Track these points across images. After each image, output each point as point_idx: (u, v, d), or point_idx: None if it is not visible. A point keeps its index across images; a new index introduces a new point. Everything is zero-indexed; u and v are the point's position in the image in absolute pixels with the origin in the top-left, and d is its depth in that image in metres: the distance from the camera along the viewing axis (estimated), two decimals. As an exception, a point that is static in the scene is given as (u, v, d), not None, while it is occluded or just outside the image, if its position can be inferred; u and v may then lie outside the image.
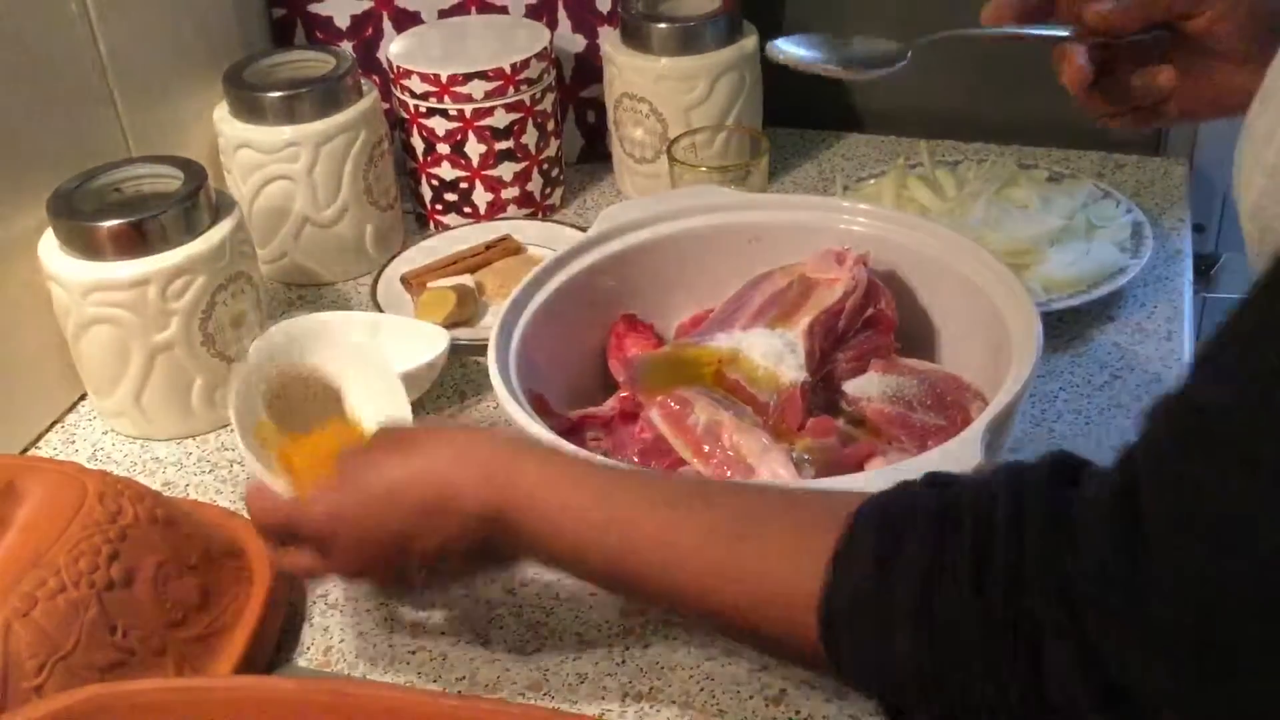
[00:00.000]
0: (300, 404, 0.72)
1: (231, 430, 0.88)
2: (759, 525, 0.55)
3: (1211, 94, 0.72)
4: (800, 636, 0.52)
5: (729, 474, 0.67)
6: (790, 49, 0.73)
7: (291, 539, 0.64)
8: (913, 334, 0.81)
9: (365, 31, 1.13)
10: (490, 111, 1.03)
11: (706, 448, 0.68)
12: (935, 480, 0.53)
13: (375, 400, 0.72)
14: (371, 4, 1.12)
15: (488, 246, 1.02)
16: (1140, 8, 0.70)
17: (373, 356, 0.75)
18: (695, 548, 0.55)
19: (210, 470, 0.86)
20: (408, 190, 1.10)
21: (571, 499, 0.58)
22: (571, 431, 0.75)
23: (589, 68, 1.13)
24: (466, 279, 0.98)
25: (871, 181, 1.05)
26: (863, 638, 0.51)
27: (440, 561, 0.62)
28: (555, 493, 0.59)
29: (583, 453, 0.66)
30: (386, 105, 1.06)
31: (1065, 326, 0.90)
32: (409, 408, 0.72)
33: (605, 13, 1.11)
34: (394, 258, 1.03)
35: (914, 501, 0.52)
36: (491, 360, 0.72)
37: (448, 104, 1.03)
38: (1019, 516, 0.47)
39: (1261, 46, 0.69)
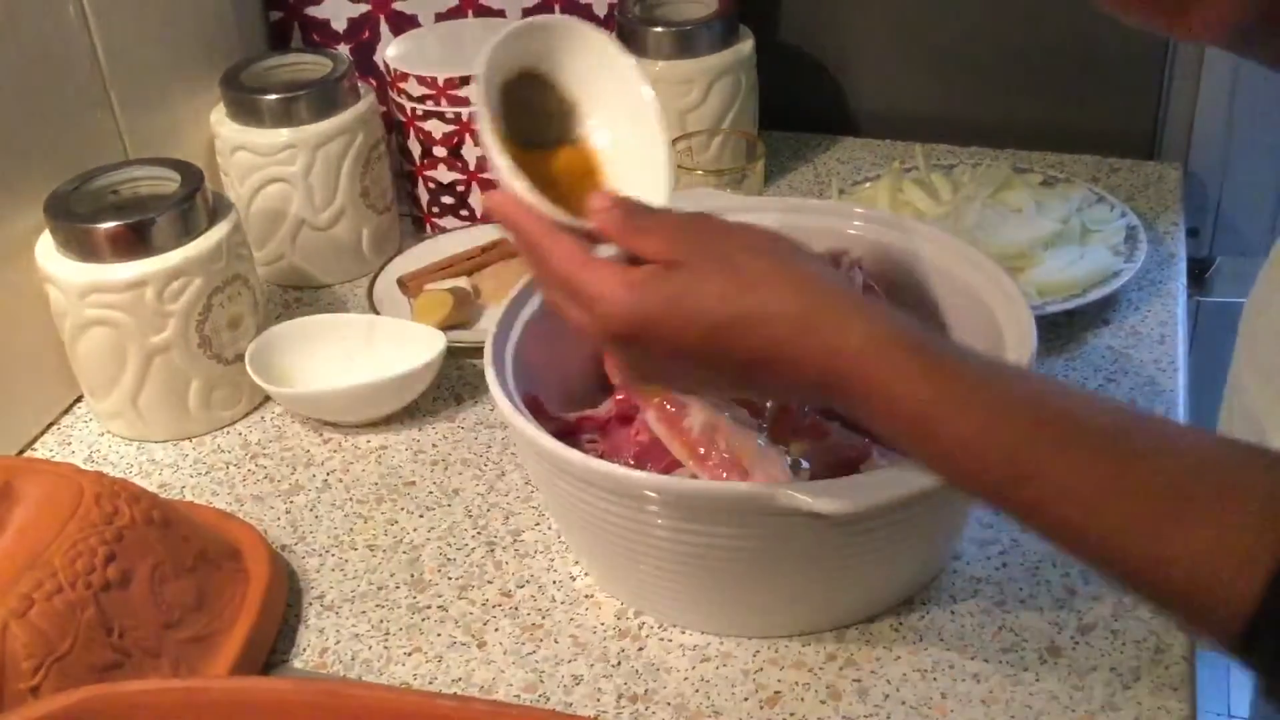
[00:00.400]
0: (527, 109, 0.63)
1: (227, 432, 0.89)
2: (1185, 506, 0.47)
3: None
4: (1204, 618, 0.46)
5: (725, 476, 0.67)
6: None
7: (567, 296, 0.57)
8: (908, 337, 0.81)
9: (362, 34, 1.13)
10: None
11: (702, 450, 0.68)
12: None
13: (623, 138, 0.63)
14: (368, 7, 1.12)
15: (484, 249, 1.02)
16: None
17: (641, 91, 0.63)
18: (1106, 509, 0.48)
19: (207, 472, 0.86)
20: (404, 193, 1.10)
21: (953, 429, 0.50)
22: (568, 433, 0.75)
23: (585, 71, 1.13)
24: (463, 282, 0.99)
25: (867, 185, 1.05)
26: None
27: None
28: (933, 420, 0.50)
29: (957, 351, 0.53)
30: (383, 108, 1.06)
31: (1059, 330, 0.90)
32: (667, 158, 0.63)
33: (601, 16, 1.11)
34: (390, 260, 1.03)
35: None
36: (488, 363, 0.72)
37: (445, 107, 1.03)
38: None
39: None
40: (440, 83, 1.02)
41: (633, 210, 0.58)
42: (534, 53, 0.62)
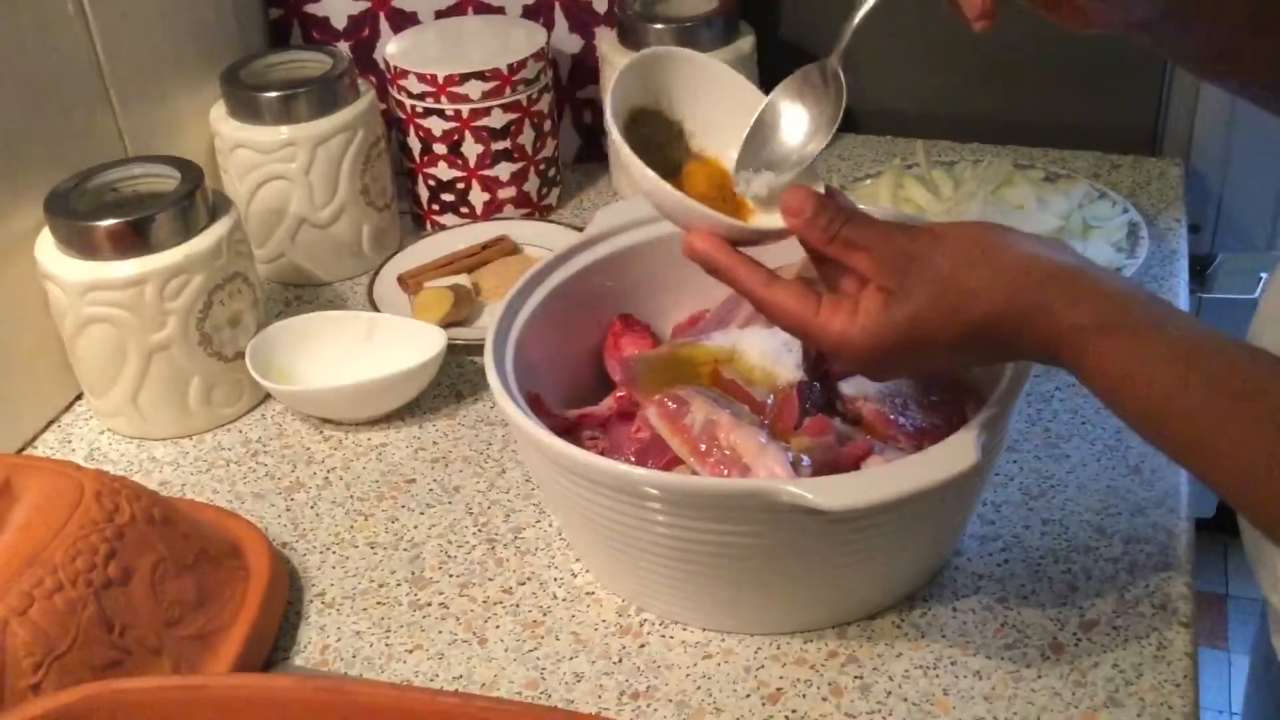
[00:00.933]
0: (644, 145, 0.65)
1: (228, 430, 0.89)
2: None
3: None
4: None
5: (726, 473, 0.67)
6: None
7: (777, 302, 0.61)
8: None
9: (362, 32, 1.13)
10: (487, 112, 1.03)
11: (703, 447, 0.68)
12: None
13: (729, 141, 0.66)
14: (368, 4, 1.12)
15: (484, 246, 1.02)
16: None
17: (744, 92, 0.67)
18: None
19: (207, 470, 0.86)
20: (404, 190, 1.10)
21: (1164, 393, 0.55)
22: (569, 430, 0.75)
23: (586, 68, 1.13)
24: (463, 279, 0.99)
25: (868, 181, 1.05)
26: None
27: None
28: (1158, 395, 0.55)
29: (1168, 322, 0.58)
30: (383, 105, 1.06)
31: (1061, 326, 0.90)
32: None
33: (602, 13, 1.11)
34: (391, 258, 1.03)
35: None
36: (488, 360, 0.72)
37: (445, 104, 1.03)
38: None
39: None
40: (440, 80, 1.02)
41: (833, 217, 0.60)
42: (644, 89, 0.66)
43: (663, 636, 0.70)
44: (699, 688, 0.67)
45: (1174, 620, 0.68)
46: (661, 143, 0.67)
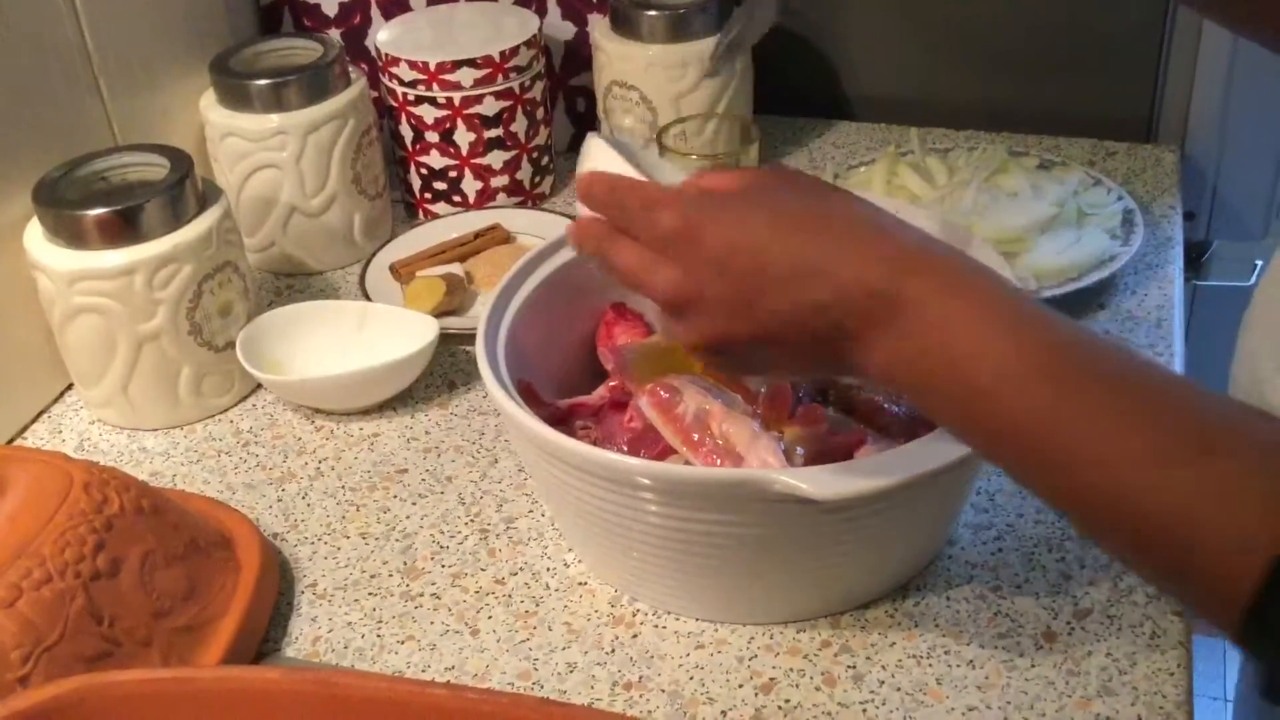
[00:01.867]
0: None
1: (219, 420, 0.88)
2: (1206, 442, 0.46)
3: None
4: (1203, 593, 0.46)
5: (719, 463, 0.67)
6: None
7: (629, 224, 0.57)
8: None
9: (353, 19, 1.13)
10: (479, 99, 1.02)
11: (696, 436, 0.68)
12: None
13: None
14: (359, -9, 1.11)
15: (477, 235, 1.02)
16: None
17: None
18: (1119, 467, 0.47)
19: (198, 460, 0.85)
20: (396, 179, 1.10)
21: (988, 345, 0.50)
22: (561, 420, 0.74)
23: (578, 55, 1.12)
24: (455, 268, 0.98)
25: (862, 169, 1.05)
26: None
27: (771, 345, 0.55)
28: (973, 326, 0.50)
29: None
30: (375, 93, 1.06)
31: (1056, 314, 0.90)
32: None
33: (595, 0, 1.10)
34: (382, 247, 1.02)
35: None
36: (480, 349, 0.72)
37: (436, 92, 1.02)
38: None
39: None
40: (432, 67, 1.01)
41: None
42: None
43: (655, 627, 0.70)
44: (692, 678, 0.67)
45: (1168, 609, 0.68)
46: None
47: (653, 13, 1.04)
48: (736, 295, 0.55)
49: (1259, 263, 1.14)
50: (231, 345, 0.87)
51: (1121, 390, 0.48)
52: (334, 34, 1.11)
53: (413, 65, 1.02)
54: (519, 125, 1.05)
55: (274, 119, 0.97)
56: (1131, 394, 0.48)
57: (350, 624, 0.72)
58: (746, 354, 0.57)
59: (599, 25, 1.08)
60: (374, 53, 1.07)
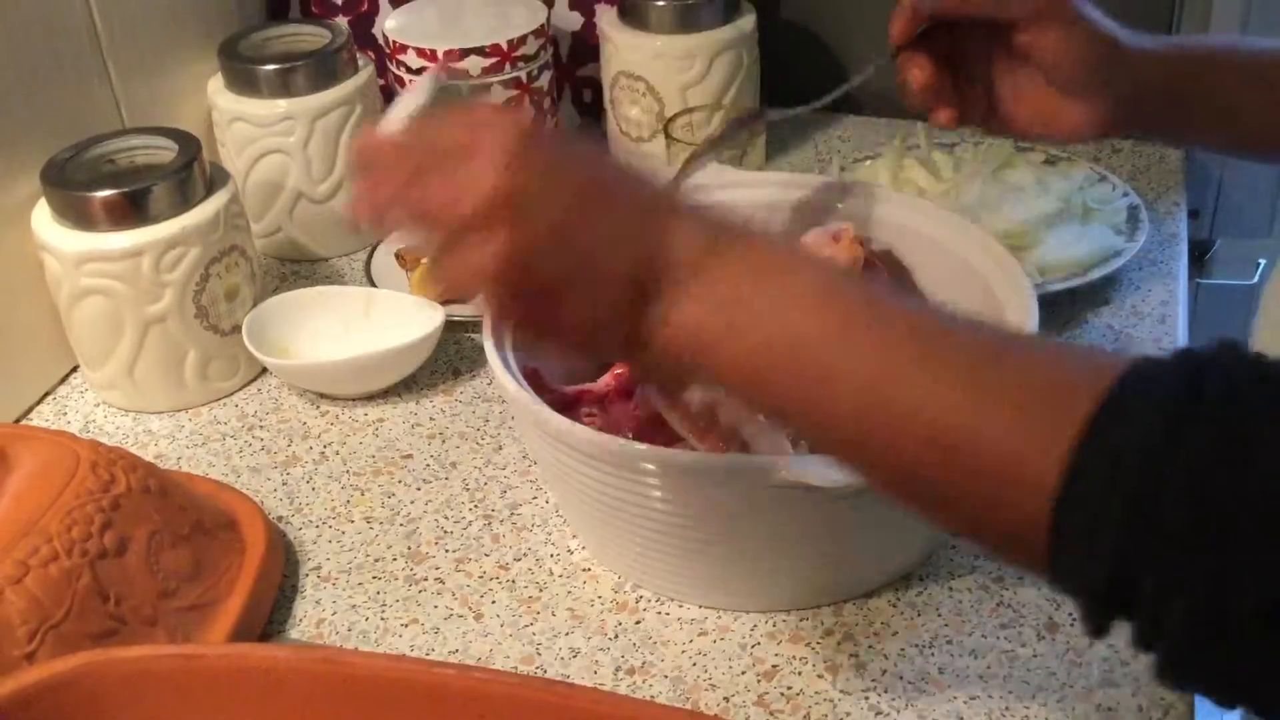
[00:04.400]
0: None
1: (224, 404, 0.89)
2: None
3: (1039, 116, 0.74)
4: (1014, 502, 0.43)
5: (725, 450, 0.67)
6: None
7: (421, 169, 0.50)
8: (908, 314, 0.81)
9: (361, 6, 1.13)
10: (486, 88, 1.02)
11: (703, 424, 0.68)
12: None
13: None
14: (368, -21, 1.11)
15: (483, 223, 1.02)
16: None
17: None
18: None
19: (203, 444, 0.85)
20: (403, 166, 1.10)
21: (782, 284, 0.48)
22: (567, 407, 0.74)
23: (586, 46, 1.12)
24: (461, 255, 0.98)
25: (868, 163, 1.05)
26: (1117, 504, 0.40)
27: (576, 282, 0.49)
28: (764, 267, 0.49)
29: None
30: (382, 81, 1.06)
31: (1060, 309, 0.90)
32: None
33: (603, -10, 1.10)
34: (389, 233, 1.02)
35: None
36: (486, 335, 0.72)
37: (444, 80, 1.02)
38: None
39: (1088, 85, 0.72)
40: (440, 55, 1.01)
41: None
42: None
43: (659, 613, 0.70)
44: (694, 664, 0.67)
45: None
46: None
47: (661, 3, 1.04)
48: (565, 205, 0.49)
49: (1261, 262, 1.14)
50: (238, 329, 0.87)
51: (927, 334, 0.47)
52: (342, 20, 1.11)
53: (420, 53, 1.02)
54: (525, 115, 1.05)
55: (281, 104, 0.97)
56: (939, 339, 0.47)
57: (354, 607, 0.72)
58: (546, 292, 0.50)
59: (607, 15, 1.08)
60: (382, 40, 1.07)
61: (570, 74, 1.14)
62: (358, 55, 1.02)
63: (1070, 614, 0.68)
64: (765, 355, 0.48)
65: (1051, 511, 0.42)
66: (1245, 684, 0.41)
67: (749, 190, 0.85)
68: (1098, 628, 0.43)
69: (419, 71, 1.02)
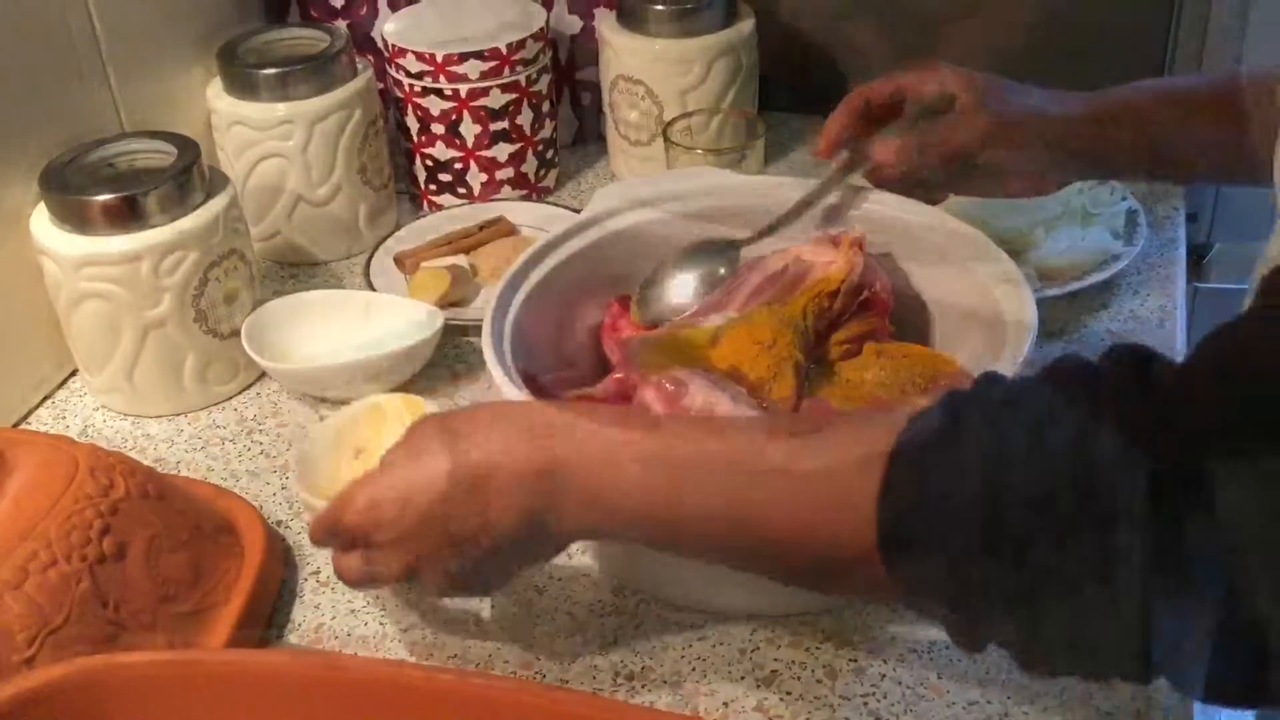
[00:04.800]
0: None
1: (223, 407, 0.89)
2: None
3: (983, 190, 0.85)
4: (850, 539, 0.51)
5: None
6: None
7: (342, 542, 0.62)
8: (907, 318, 0.81)
9: (360, 9, 1.13)
10: (485, 92, 1.03)
11: (700, 428, 0.68)
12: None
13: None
14: (367, -18, 1.11)
15: (481, 227, 1.02)
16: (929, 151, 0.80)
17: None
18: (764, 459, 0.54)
19: (202, 448, 0.85)
20: (402, 170, 1.10)
21: (626, 435, 0.56)
22: (565, 411, 0.75)
23: (585, 50, 1.12)
24: (460, 259, 0.98)
25: (867, 166, 1.05)
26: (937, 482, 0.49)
27: (485, 554, 0.59)
28: (606, 434, 0.57)
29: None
30: (381, 85, 1.06)
31: (1059, 312, 0.90)
32: None
33: (602, -6, 1.10)
34: (387, 237, 1.02)
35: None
36: (486, 340, 0.72)
37: (443, 84, 1.02)
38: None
39: (1047, 168, 0.83)
40: (439, 59, 1.01)
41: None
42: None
43: (658, 617, 0.70)
44: (694, 669, 0.67)
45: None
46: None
47: (660, 7, 1.04)
48: (421, 522, 0.58)
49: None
50: (236, 333, 0.87)
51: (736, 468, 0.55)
52: (340, 24, 1.11)
53: (419, 57, 1.02)
54: (525, 118, 1.05)
55: (280, 108, 0.97)
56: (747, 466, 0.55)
57: (354, 611, 0.72)
58: (458, 572, 0.60)
59: (606, 19, 1.08)
60: (381, 44, 1.07)
61: (569, 77, 1.14)
62: (357, 59, 1.02)
63: (1069, 619, 0.68)
64: (638, 524, 0.58)
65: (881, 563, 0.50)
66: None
67: (748, 194, 0.86)
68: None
69: (418, 76, 1.02)
